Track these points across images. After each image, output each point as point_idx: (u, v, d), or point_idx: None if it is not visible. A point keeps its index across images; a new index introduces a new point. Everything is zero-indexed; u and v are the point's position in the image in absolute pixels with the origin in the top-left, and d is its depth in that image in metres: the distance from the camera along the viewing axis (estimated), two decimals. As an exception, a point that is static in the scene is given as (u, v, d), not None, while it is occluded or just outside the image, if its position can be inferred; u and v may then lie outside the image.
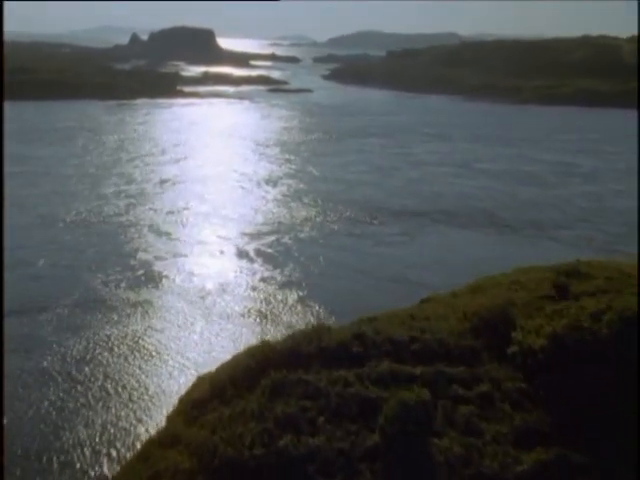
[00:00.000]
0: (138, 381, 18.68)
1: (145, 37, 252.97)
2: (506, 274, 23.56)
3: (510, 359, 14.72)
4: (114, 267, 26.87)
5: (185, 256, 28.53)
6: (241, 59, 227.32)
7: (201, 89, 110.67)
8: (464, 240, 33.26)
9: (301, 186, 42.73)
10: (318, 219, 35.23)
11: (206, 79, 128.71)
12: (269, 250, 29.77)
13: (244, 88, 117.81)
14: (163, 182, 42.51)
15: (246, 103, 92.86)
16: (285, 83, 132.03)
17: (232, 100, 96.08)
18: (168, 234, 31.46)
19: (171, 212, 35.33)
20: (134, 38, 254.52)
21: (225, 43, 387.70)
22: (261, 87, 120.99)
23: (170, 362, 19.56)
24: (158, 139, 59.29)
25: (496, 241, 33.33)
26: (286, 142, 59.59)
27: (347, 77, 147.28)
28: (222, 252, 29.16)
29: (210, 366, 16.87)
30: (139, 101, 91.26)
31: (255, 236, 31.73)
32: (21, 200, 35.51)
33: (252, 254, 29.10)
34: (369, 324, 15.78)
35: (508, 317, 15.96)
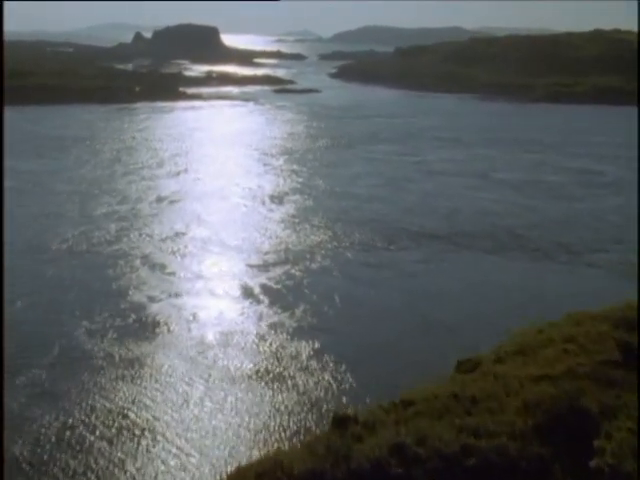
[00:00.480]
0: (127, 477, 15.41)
1: (149, 35, 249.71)
2: (556, 324, 20.42)
3: (594, 474, 11.47)
4: (101, 311, 23.61)
5: (182, 296, 25.26)
6: (246, 57, 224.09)
7: (204, 90, 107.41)
8: (493, 268, 29.95)
9: (309, 203, 39.46)
10: (330, 245, 31.95)
11: (210, 79, 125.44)
12: (277, 286, 26.49)
13: (249, 89, 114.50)
14: (160, 200, 39.25)
15: (251, 105, 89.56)
16: (291, 82, 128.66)
17: (236, 102, 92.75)
18: (163, 267, 28.19)
19: (167, 238, 32.05)
20: (138, 36, 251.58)
21: (230, 40, 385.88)
22: (266, 87, 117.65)
23: (166, 446, 16.32)
24: (156, 148, 56.05)
25: (528, 269, 29.97)
26: (292, 150, 56.27)
27: (354, 75, 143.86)
28: (224, 290, 25.92)
29: (213, 452, 13.76)
30: (139, 105, 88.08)
31: (261, 268, 28.47)
32: (4, 223, 32.42)
33: (258, 292, 25.81)
34: (408, 425, 12.52)
35: (582, 413, 12.67)
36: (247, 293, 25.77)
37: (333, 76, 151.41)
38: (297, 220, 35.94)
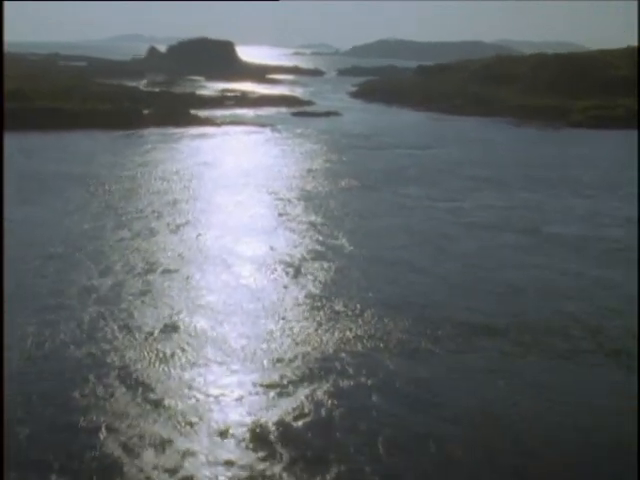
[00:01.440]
0: None
1: (164, 49, 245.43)
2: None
3: None
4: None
5: (172, 443, 18.38)
6: (263, 72, 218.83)
7: (218, 113, 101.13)
8: (573, 384, 22.96)
9: (332, 276, 32.38)
10: (360, 347, 24.99)
11: (224, 100, 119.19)
12: (295, 426, 19.57)
13: (266, 111, 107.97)
14: (151, 269, 32.31)
15: (267, 132, 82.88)
16: (310, 103, 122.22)
17: (252, 128, 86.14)
18: (146, 389, 21.37)
19: (151, 335, 25.19)
20: (152, 50, 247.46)
21: (246, 52, 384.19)
22: (284, 109, 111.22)
23: None
24: (158, 191, 49.36)
25: (617, 384, 22.98)
26: (311, 194, 49.25)
27: (376, 95, 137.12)
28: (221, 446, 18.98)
29: None
30: (148, 131, 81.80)
31: (272, 389, 21.58)
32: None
33: (272, 439, 18.90)
34: None
35: None
36: (258, 441, 18.78)
37: (353, 95, 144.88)
38: (317, 304, 28.94)
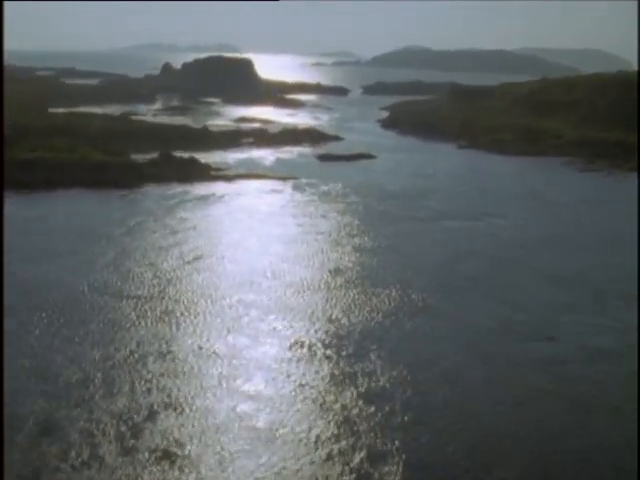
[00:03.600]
0: None
1: (180, 63, 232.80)
2: None
3: None
4: None
5: None
6: (283, 91, 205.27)
7: (232, 157, 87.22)
8: None
9: None
10: None
11: (240, 136, 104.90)
12: None
13: (287, 152, 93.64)
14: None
15: (287, 191, 68.44)
16: (337, 138, 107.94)
17: (269, 184, 71.77)
18: None
19: None
20: (166, 67, 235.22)
21: (267, 62, 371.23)
22: (308, 149, 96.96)
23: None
24: (134, 303, 35.68)
25: None
26: (334, 337, 32.84)
27: (409, 125, 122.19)
28: None
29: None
30: (145, 190, 68.04)
31: None
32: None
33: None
34: None
35: None
36: None
37: (384, 125, 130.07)
38: None
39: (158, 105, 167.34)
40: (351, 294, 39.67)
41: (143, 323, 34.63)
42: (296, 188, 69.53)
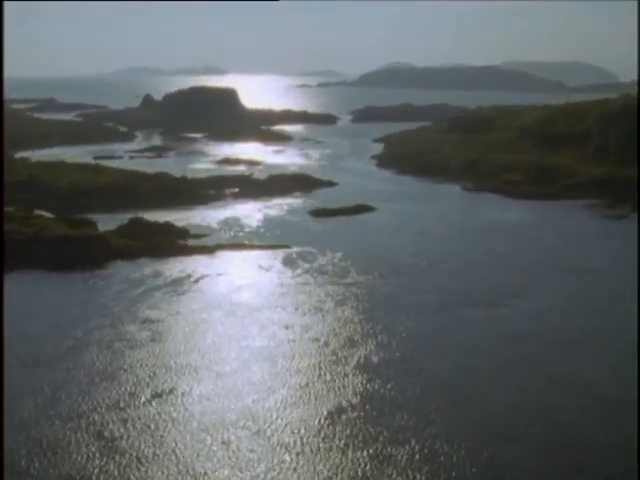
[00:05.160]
0: None
1: (161, 95, 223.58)
2: None
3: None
4: None
5: None
6: (268, 121, 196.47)
7: (214, 216, 77.32)
8: None
9: None
10: None
11: (224, 184, 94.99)
12: None
13: (276, 205, 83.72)
14: None
15: (276, 266, 58.57)
16: (330, 184, 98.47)
17: (255, 255, 62.07)
18: None
19: None
20: (147, 100, 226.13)
21: (253, 84, 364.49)
22: (299, 200, 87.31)
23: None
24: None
25: None
26: None
27: (407, 163, 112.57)
28: None
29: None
30: (112, 270, 58.28)
31: None
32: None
33: None
34: None
35: None
36: None
37: (380, 163, 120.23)
38: None
39: (137, 144, 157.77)
40: (359, 460, 29.51)
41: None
42: (287, 262, 59.72)
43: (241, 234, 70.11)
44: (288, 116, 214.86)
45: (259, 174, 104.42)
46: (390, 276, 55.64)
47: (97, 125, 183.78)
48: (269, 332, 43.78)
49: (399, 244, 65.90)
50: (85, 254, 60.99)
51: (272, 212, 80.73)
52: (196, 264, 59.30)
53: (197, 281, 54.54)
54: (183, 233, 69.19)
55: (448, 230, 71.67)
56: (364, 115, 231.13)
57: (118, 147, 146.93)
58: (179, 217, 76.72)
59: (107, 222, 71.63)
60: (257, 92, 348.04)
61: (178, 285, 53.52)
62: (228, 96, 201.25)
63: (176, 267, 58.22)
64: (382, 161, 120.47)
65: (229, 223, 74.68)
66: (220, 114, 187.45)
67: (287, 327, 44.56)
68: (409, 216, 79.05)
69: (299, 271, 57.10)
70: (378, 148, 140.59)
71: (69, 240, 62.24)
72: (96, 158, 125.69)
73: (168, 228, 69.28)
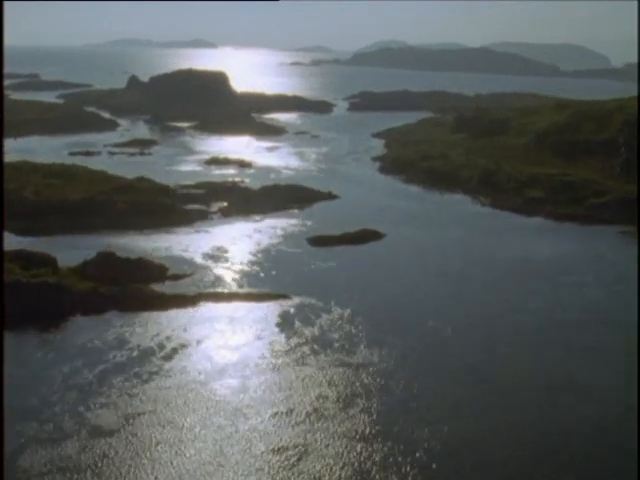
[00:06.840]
0: None
1: (147, 76, 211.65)
2: None
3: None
4: None
5: None
6: (260, 109, 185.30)
7: (197, 246, 66.72)
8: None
9: None
10: None
11: (210, 199, 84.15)
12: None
13: (268, 233, 72.41)
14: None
15: (270, 328, 48.33)
16: (330, 197, 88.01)
17: (245, 310, 51.72)
18: None
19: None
20: (133, 81, 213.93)
21: (244, 58, 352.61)
22: (296, 220, 76.67)
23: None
24: None
25: None
26: None
27: (411, 170, 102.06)
28: None
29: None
30: (69, 330, 48.03)
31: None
32: None
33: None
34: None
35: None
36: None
37: (384, 168, 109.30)
38: None
39: (119, 134, 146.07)
40: None
41: None
42: (283, 324, 49.45)
43: (229, 273, 59.60)
44: (281, 102, 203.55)
45: (250, 181, 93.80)
46: (408, 352, 45.38)
47: (78, 110, 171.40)
48: (250, 463, 33.32)
49: (416, 295, 55.75)
50: (41, 306, 50.60)
51: (265, 238, 70.17)
52: (172, 325, 48.89)
53: (170, 357, 44.04)
54: (161, 272, 58.73)
55: (471, 271, 61.40)
56: (361, 103, 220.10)
57: (98, 138, 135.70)
58: (159, 244, 66.54)
59: (75, 249, 61.59)
60: (249, 70, 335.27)
61: (145, 362, 43.09)
62: (217, 80, 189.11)
63: (148, 330, 47.80)
64: (385, 165, 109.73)
65: (215, 255, 64.16)
66: (209, 100, 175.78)
67: (275, 451, 34.12)
68: (423, 247, 68.92)
69: (297, 340, 46.78)
70: (379, 146, 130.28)
71: (25, 289, 51.48)
72: (72, 154, 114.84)
73: (144, 266, 58.75)
